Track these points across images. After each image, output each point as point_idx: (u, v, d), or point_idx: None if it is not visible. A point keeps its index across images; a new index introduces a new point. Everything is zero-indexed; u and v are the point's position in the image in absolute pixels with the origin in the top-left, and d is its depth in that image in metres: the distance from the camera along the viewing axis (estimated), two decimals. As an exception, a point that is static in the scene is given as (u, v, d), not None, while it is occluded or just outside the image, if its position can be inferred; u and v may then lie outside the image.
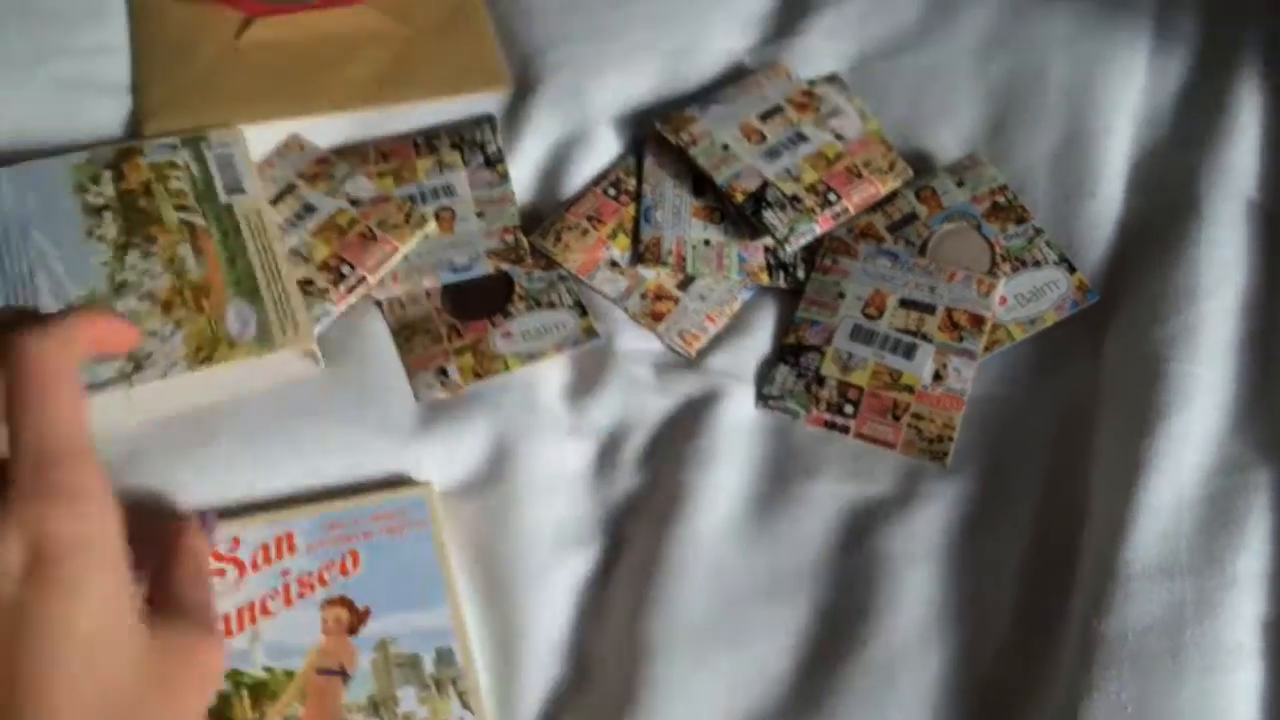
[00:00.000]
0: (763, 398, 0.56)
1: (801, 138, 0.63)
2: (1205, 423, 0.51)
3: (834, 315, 0.58)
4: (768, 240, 0.60)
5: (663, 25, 0.68)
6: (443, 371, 0.55)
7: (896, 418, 0.55)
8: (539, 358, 0.56)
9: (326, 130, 0.63)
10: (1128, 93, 0.64)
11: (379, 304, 0.58)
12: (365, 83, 0.64)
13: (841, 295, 0.58)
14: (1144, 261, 0.58)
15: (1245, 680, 0.45)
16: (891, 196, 0.62)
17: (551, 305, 0.58)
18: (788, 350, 0.57)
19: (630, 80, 0.66)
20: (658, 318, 0.58)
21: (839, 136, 0.63)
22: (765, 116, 0.64)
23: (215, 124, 0.61)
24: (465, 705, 0.48)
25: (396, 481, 0.53)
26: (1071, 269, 0.58)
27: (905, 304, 0.58)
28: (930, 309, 0.57)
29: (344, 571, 0.50)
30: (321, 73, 0.65)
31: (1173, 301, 0.55)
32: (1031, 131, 0.63)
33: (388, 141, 0.63)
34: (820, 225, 0.60)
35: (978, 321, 0.57)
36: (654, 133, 0.63)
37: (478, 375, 0.55)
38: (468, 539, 0.52)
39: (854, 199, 0.60)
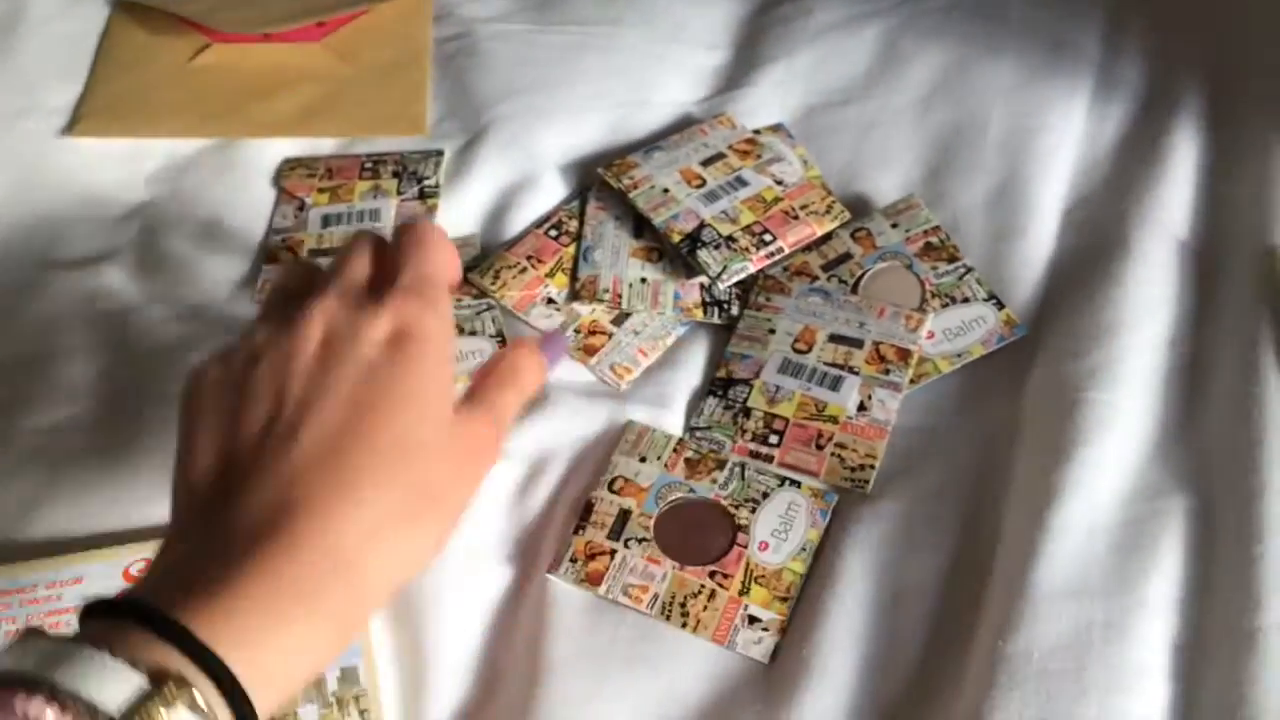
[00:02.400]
0: (691, 429, 0.57)
1: (741, 182, 0.64)
2: (1123, 451, 0.51)
3: (764, 350, 0.58)
4: (704, 278, 0.61)
5: (613, 79, 0.70)
6: None
7: (820, 447, 0.55)
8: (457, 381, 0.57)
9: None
10: (1066, 140, 0.65)
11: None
12: (290, 114, 0.68)
13: (772, 331, 0.59)
14: (1072, 297, 0.58)
15: (1151, 702, 0.44)
16: (828, 237, 0.63)
17: (473, 333, 0.59)
18: (717, 383, 0.58)
19: (578, 130, 0.68)
20: (591, 352, 0.59)
21: (779, 181, 0.64)
22: (707, 162, 0.65)
23: (138, 134, 0.66)
24: (368, 722, 0.48)
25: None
26: (1000, 305, 0.59)
27: (834, 339, 0.58)
28: (858, 343, 0.58)
29: None
30: (254, 100, 0.69)
31: (1095, 336, 0.55)
32: (968, 176, 0.64)
33: (339, 159, 0.67)
34: (754, 264, 0.60)
35: (904, 355, 0.57)
36: (598, 178, 0.65)
37: None
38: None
39: (789, 239, 0.61)
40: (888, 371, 0.57)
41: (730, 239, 0.61)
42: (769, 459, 0.55)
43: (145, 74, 0.69)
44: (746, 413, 0.57)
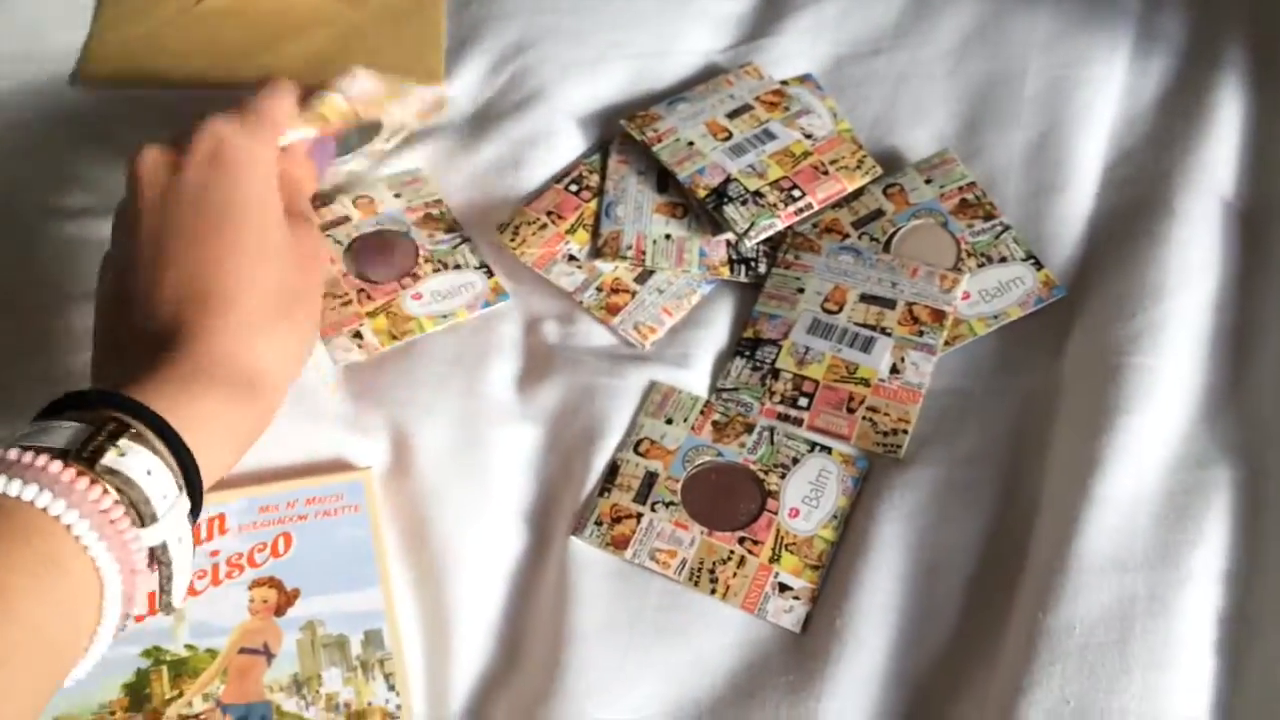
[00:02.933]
0: (717, 390, 0.55)
1: (769, 135, 0.62)
2: (1167, 418, 0.49)
3: (793, 309, 0.57)
4: (730, 235, 0.59)
5: (635, 28, 0.68)
6: (357, 335, 0.55)
7: (851, 410, 0.53)
8: (451, 317, 0.56)
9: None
10: (1106, 93, 0.63)
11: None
12: (300, 62, 0.65)
13: (801, 290, 0.57)
14: (1113, 258, 0.56)
15: (1195, 677, 0.43)
16: (859, 193, 0.61)
17: (458, 267, 0.58)
18: (745, 344, 0.56)
19: (600, 81, 0.66)
20: (613, 310, 0.57)
21: (808, 135, 0.62)
22: (733, 114, 0.63)
23: (145, 84, 0.64)
24: (391, 686, 0.47)
25: (336, 466, 0.52)
26: (1038, 265, 0.57)
27: (866, 299, 0.57)
28: (891, 304, 0.56)
29: (275, 553, 0.49)
30: (263, 47, 0.66)
31: (1138, 298, 0.53)
32: (1005, 130, 0.62)
33: None
34: (782, 220, 0.59)
35: (939, 316, 0.55)
36: (620, 131, 0.63)
37: (393, 337, 0.55)
38: (405, 521, 0.51)
39: (818, 195, 0.59)
40: (921, 333, 0.55)
41: (758, 194, 0.59)
42: (798, 422, 0.53)
43: (151, 18, 0.67)
44: (775, 374, 0.55)
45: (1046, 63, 0.65)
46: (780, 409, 0.54)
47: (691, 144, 0.61)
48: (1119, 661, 0.43)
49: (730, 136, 0.62)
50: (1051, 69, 0.64)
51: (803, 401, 0.54)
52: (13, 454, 0.37)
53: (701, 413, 0.54)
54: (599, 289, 0.58)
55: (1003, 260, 0.57)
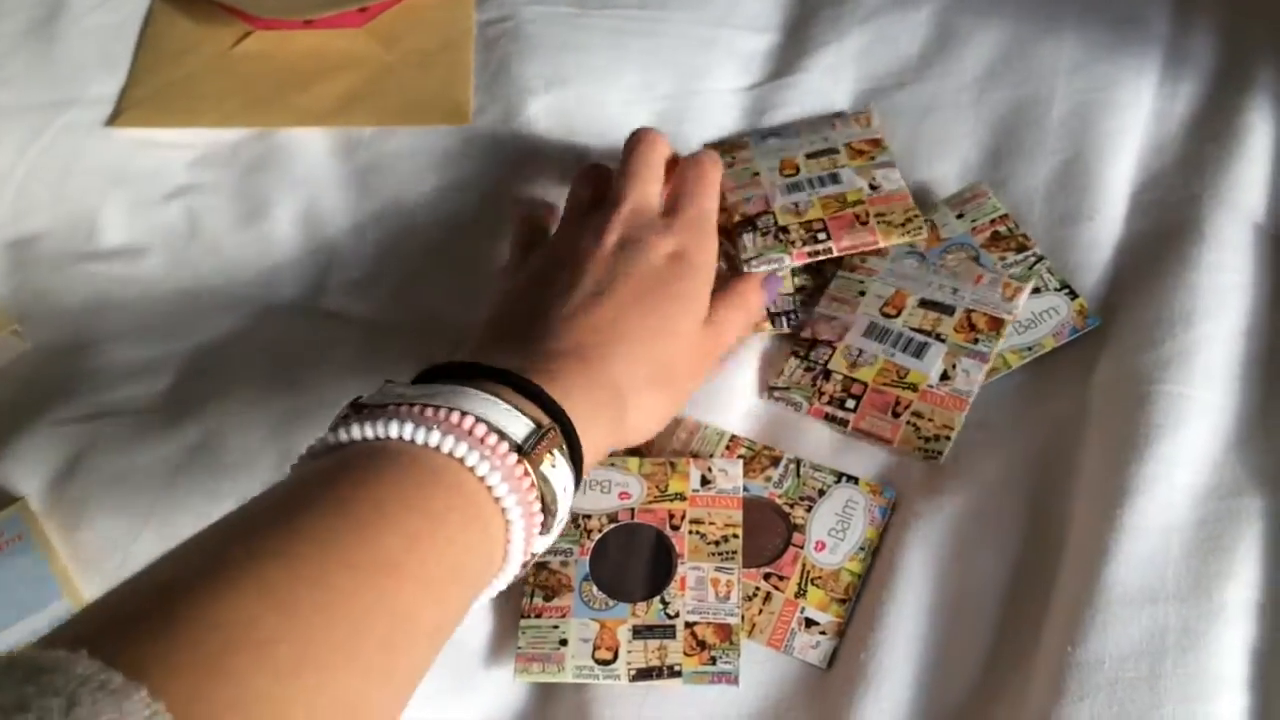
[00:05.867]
0: (770, 389, 0.55)
1: (833, 179, 0.61)
2: (1199, 446, 0.49)
3: (852, 312, 0.57)
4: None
5: (661, 66, 0.68)
6: None
7: (896, 414, 0.53)
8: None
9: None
10: (1133, 118, 0.62)
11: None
12: (331, 102, 0.67)
13: (863, 293, 0.57)
14: (1143, 284, 0.55)
15: (1228, 712, 0.42)
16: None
17: (1037, 290, 0.57)
18: (801, 344, 0.57)
19: (626, 120, 0.66)
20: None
21: (874, 186, 0.61)
22: (813, 155, 0.63)
23: (182, 124, 0.66)
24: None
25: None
26: (1073, 295, 0.56)
27: (925, 304, 0.56)
28: (950, 310, 0.56)
29: None
30: (295, 88, 0.68)
31: (1169, 325, 0.52)
32: (1030, 159, 0.62)
33: None
34: (792, 258, 0.58)
35: (996, 324, 0.55)
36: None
37: None
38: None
39: (842, 242, 0.58)
40: (976, 340, 0.55)
41: (783, 230, 0.59)
42: (844, 423, 0.54)
43: (188, 63, 0.69)
44: (826, 375, 0.55)
45: (1073, 88, 0.64)
46: (828, 409, 0.54)
47: (756, 174, 0.61)
48: (1150, 697, 0.42)
49: (796, 173, 0.62)
50: (1078, 94, 0.64)
51: (850, 403, 0.54)
52: (480, 430, 0.40)
53: (727, 448, 0.54)
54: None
55: (1036, 291, 0.57)
